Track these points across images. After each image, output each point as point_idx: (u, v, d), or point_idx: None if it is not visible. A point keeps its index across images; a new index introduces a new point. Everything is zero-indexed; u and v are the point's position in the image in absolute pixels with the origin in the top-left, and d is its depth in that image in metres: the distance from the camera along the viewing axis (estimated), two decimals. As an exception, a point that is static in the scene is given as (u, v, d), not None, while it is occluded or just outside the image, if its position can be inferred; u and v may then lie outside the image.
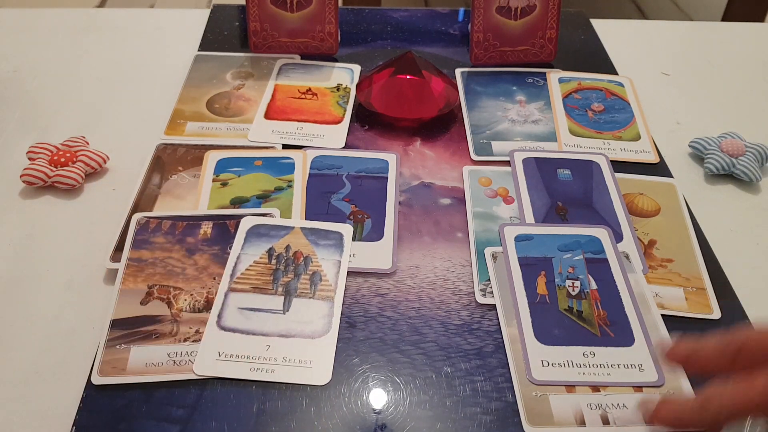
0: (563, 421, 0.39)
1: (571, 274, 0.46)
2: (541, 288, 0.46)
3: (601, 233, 0.49)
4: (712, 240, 0.51)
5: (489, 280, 0.47)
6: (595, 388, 0.40)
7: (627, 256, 0.48)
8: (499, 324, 0.44)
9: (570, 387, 0.40)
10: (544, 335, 0.43)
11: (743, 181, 0.57)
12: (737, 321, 0.45)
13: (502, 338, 0.43)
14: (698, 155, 0.59)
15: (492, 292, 0.46)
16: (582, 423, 0.39)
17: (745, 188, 0.57)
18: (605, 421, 0.39)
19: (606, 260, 0.47)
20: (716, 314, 0.45)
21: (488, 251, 0.48)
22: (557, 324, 0.44)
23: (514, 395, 0.40)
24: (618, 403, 0.40)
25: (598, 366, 0.41)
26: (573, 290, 0.45)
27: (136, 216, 0.49)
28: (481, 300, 0.45)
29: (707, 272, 0.48)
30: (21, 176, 0.53)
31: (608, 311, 0.44)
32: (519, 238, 0.49)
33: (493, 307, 0.45)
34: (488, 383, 0.41)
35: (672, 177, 0.56)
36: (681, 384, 0.41)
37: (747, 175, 0.56)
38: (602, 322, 0.44)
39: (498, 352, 0.42)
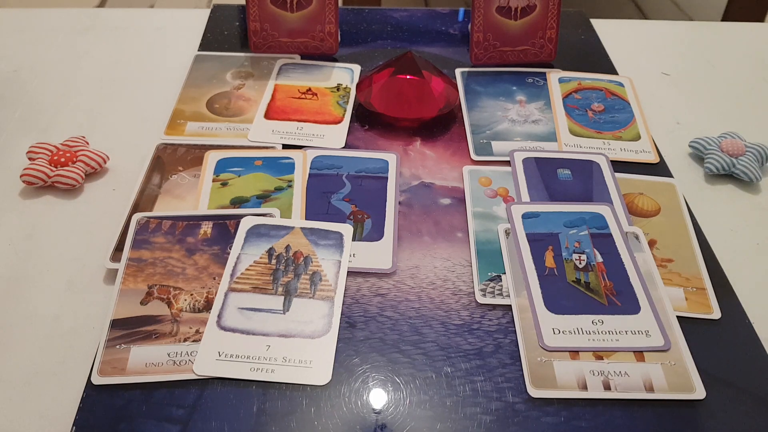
0: (566, 385, 0.40)
1: (578, 248, 0.48)
2: (549, 261, 0.47)
3: (604, 209, 0.51)
4: (712, 240, 0.51)
5: (489, 279, 0.47)
6: (599, 355, 0.42)
7: (637, 237, 0.49)
8: (499, 322, 0.44)
9: (574, 354, 0.42)
10: (554, 305, 0.45)
11: (743, 181, 0.57)
12: (737, 321, 0.45)
13: (502, 338, 0.43)
14: (698, 155, 0.59)
15: (492, 292, 0.46)
16: (584, 388, 0.40)
17: (745, 188, 0.57)
18: (606, 387, 0.40)
19: (610, 235, 0.49)
20: (716, 314, 0.45)
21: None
22: (566, 294, 0.45)
23: (514, 395, 0.40)
24: (620, 370, 0.41)
25: (607, 333, 0.43)
26: (580, 263, 0.47)
27: (136, 216, 0.49)
28: (481, 300, 0.45)
29: (707, 272, 0.48)
30: (21, 176, 0.53)
31: (614, 282, 0.46)
32: (526, 216, 0.50)
33: (494, 307, 0.45)
34: (488, 383, 0.41)
35: (672, 177, 0.56)
36: (681, 349, 0.42)
37: (747, 175, 0.56)
38: (609, 292, 0.46)
39: (498, 352, 0.42)
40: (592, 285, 0.46)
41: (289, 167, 0.55)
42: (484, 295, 0.46)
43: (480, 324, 0.44)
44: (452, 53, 0.70)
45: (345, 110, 0.62)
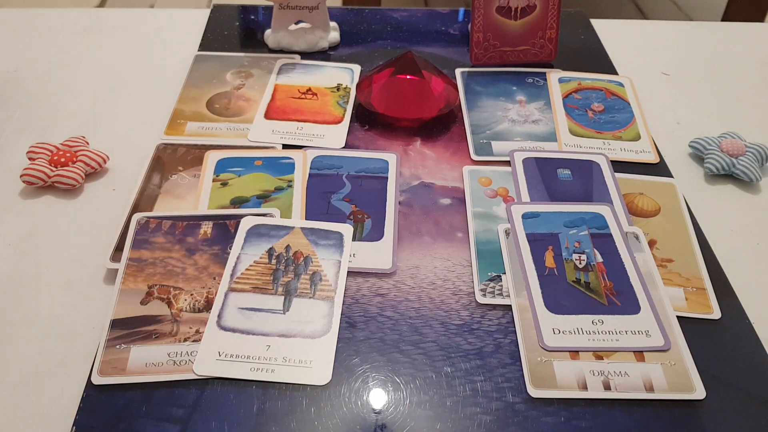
0: (566, 385, 0.40)
1: (578, 249, 0.48)
2: (549, 261, 0.47)
3: (604, 210, 0.51)
4: (712, 240, 0.51)
5: (489, 279, 0.47)
6: (599, 355, 0.42)
7: (637, 237, 0.49)
8: (499, 322, 0.44)
9: (574, 354, 0.42)
10: (554, 305, 0.45)
11: (743, 181, 0.57)
12: (737, 321, 0.45)
13: (502, 338, 0.43)
14: (698, 155, 0.59)
15: (492, 292, 0.46)
16: (584, 388, 0.40)
17: (745, 188, 0.57)
18: (606, 387, 0.40)
19: (610, 235, 0.49)
20: (716, 314, 0.45)
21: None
22: (566, 294, 0.45)
23: (514, 395, 0.40)
24: (620, 370, 0.41)
25: (607, 333, 0.43)
26: (580, 263, 0.47)
27: (136, 216, 0.49)
28: (481, 300, 0.45)
29: (707, 272, 0.48)
30: (21, 176, 0.53)
31: (614, 282, 0.46)
32: (526, 216, 0.51)
33: (494, 307, 0.45)
34: (488, 383, 0.41)
35: (672, 177, 0.56)
36: (681, 349, 0.42)
37: (747, 175, 0.56)
38: (609, 292, 0.46)
39: (498, 352, 0.42)
40: (592, 285, 0.46)
41: (289, 167, 0.55)
42: (484, 295, 0.46)
43: (480, 324, 0.44)
44: (452, 53, 0.70)
45: (345, 110, 0.62)
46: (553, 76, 0.66)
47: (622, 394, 0.40)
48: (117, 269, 0.46)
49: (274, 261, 0.47)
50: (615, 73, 0.68)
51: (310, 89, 0.64)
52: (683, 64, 0.73)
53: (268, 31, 0.70)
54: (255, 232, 0.49)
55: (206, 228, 0.49)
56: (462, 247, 0.49)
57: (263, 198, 0.52)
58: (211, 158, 0.55)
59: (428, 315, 0.45)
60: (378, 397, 0.40)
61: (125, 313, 0.43)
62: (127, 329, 0.42)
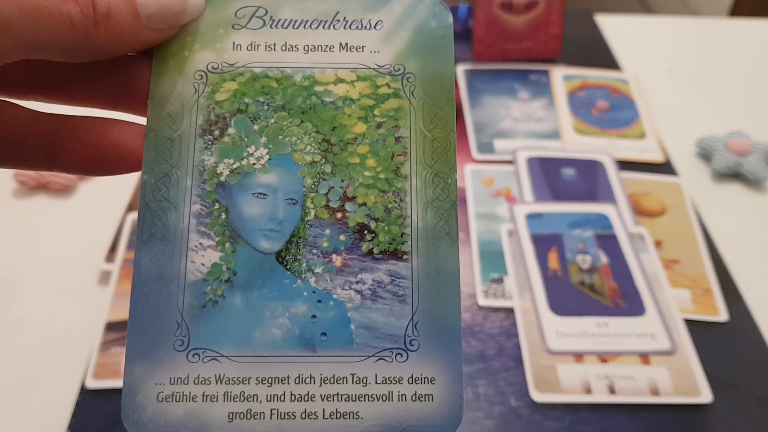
0: (570, 389, 0.40)
1: (582, 250, 0.48)
2: (553, 263, 0.47)
3: (609, 210, 0.50)
4: (719, 241, 0.50)
5: (491, 281, 0.46)
6: (603, 359, 0.41)
7: (642, 237, 0.49)
8: (501, 325, 0.43)
9: (578, 357, 0.42)
10: (558, 307, 0.44)
11: (750, 181, 0.56)
12: (745, 323, 0.44)
13: (504, 341, 0.42)
14: (705, 154, 0.58)
15: (494, 294, 0.45)
16: (589, 392, 0.40)
17: (752, 188, 0.56)
18: (611, 391, 0.40)
19: (614, 236, 0.48)
20: (723, 316, 0.44)
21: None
22: (570, 296, 0.45)
23: (517, 400, 0.39)
24: (625, 374, 0.41)
25: (612, 335, 0.43)
26: (584, 264, 0.46)
27: (131, 216, 0.49)
28: (483, 302, 0.45)
29: (714, 274, 0.47)
30: (14, 176, 0.52)
31: (619, 284, 0.45)
32: (529, 216, 0.50)
33: (496, 309, 0.44)
34: (490, 387, 0.40)
35: (678, 176, 0.55)
36: (688, 352, 0.42)
37: (754, 174, 0.55)
38: (614, 294, 0.45)
39: (501, 356, 0.42)
40: (596, 287, 0.45)
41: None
42: (486, 297, 0.45)
43: (482, 327, 0.43)
44: (454, 50, 0.69)
45: (345, 108, 0.61)
46: (557, 73, 0.65)
47: (627, 398, 0.39)
48: (111, 270, 0.45)
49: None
50: (619, 69, 0.67)
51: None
52: (690, 61, 0.72)
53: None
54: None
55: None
56: (463, 248, 0.49)
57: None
58: (209, 157, 0.55)
59: (429, 317, 0.44)
60: (377, 402, 0.39)
61: (120, 316, 0.42)
62: (122, 332, 0.42)
